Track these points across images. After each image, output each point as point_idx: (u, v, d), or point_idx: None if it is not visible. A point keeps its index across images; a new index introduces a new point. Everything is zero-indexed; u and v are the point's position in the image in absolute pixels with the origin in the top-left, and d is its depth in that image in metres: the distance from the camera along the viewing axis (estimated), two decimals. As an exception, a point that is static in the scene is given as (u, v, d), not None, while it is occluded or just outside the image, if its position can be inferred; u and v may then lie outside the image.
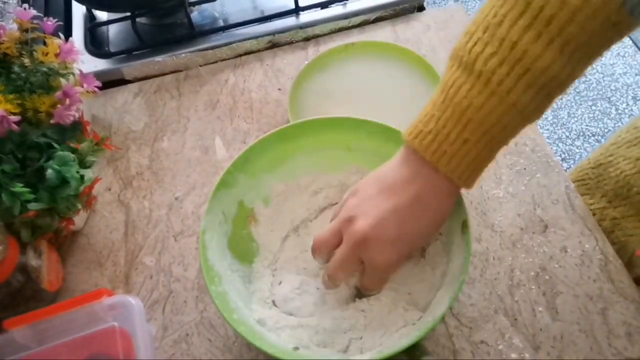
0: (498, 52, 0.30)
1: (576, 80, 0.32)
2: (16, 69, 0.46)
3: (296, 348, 0.40)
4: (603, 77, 1.71)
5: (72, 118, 0.46)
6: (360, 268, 0.39)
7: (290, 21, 0.68)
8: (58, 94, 0.46)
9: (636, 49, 1.78)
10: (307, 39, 0.68)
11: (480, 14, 0.32)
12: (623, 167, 0.52)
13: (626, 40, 1.80)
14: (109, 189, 0.57)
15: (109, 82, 0.66)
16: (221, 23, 0.70)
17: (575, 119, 1.62)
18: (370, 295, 0.42)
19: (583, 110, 1.64)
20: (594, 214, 0.51)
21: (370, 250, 0.36)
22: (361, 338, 0.42)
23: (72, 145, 0.47)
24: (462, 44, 0.32)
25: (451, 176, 0.34)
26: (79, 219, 0.52)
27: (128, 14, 0.68)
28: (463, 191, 0.39)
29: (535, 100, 0.30)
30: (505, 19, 0.29)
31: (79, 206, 0.48)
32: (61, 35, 0.50)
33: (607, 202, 0.54)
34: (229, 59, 0.67)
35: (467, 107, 0.31)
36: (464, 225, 0.40)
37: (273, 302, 0.45)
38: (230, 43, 0.66)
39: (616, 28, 0.28)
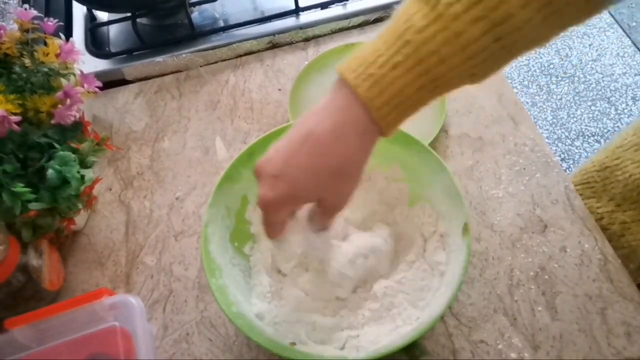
0: None
1: (536, 40, 0.28)
2: (17, 69, 0.46)
3: (293, 343, 0.40)
4: (602, 77, 1.71)
5: (72, 118, 0.46)
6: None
7: (290, 22, 0.68)
8: (59, 94, 0.46)
9: (635, 50, 1.78)
10: (307, 40, 0.68)
11: None
12: (632, 170, 0.51)
13: (625, 40, 1.80)
14: (110, 189, 0.57)
15: (110, 83, 0.66)
16: (221, 23, 0.70)
17: (575, 119, 1.62)
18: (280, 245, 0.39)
19: (582, 110, 1.64)
20: (602, 218, 0.51)
21: (260, 183, 0.33)
22: (358, 336, 0.42)
23: (73, 145, 0.47)
24: None
25: (369, 105, 0.29)
26: (79, 219, 0.53)
27: (128, 14, 0.68)
28: (463, 192, 0.39)
29: (482, 39, 0.27)
30: None
31: (80, 206, 0.48)
32: (62, 35, 0.50)
33: (615, 206, 0.53)
34: (229, 59, 0.67)
35: (407, 29, 0.28)
36: (465, 229, 0.40)
37: (279, 271, 0.45)
38: (231, 43, 0.66)
39: None
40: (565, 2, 0.27)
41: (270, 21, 0.68)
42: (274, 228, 0.35)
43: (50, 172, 0.43)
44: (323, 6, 0.69)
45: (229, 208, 0.45)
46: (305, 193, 0.33)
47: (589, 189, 0.57)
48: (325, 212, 0.35)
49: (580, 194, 0.53)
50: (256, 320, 0.41)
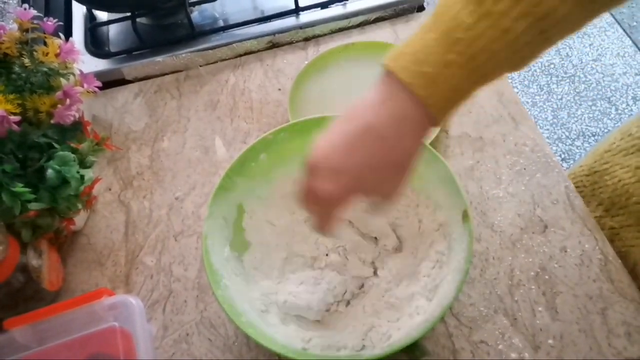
0: None
1: (575, 28, 0.29)
2: (16, 69, 0.46)
3: (304, 348, 0.40)
4: (603, 77, 1.71)
5: (72, 118, 0.46)
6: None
7: (290, 21, 0.68)
8: (58, 94, 0.46)
9: (636, 49, 1.78)
10: (307, 39, 0.68)
11: None
12: (621, 175, 0.51)
13: (626, 40, 1.80)
14: (110, 189, 0.57)
15: (109, 82, 0.66)
16: (221, 23, 0.70)
17: (575, 119, 1.62)
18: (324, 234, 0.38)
19: (583, 110, 1.64)
20: None
21: (315, 178, 0.33)
22: (362, 339, 0.42)
23: (73, 145, 0.47)
24: None
25: (427, 102, 0.30)
26: (79, 219, 0.52)
27: (128, 14, 0.68)
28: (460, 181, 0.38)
29: (528, 32, 0.28)
30: None
31: (80, 206, 0.48)
32: (61, 35, 0.50)
33: (603, 211, 0.53)
34: (229, 59, 0.67)
35: (456, 27, 0.29)
36: (465, 215, 0.40)
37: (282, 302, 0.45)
38: (231, 43, 0.66)
39: None
40: None
41: (270, 21, 0.68)
42: (330, 221, 0.35)
43: (49, 172, 0.43)
44: (323, 6, 0.68)
45: (226, 219, 0.45)
46: (367, 186, 0.33)
47: (579, 193, 0.57)
48: (380, 202, 0.36)
49: None
50: (265, 327, 0.41)
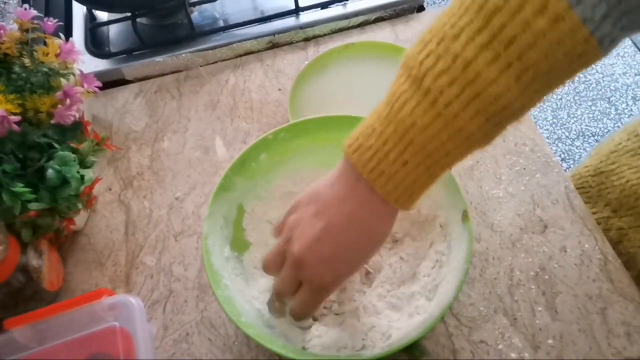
0: (449, 69, 0.27)
1: (526, 113, 0.29)
2: (17, 69, 0.46)
3: (304, 348, 0.40)
4: (603, 77, 1.71)
5: (72, 118, 0.46)
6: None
7: (290, 21, 0.68)
8: (59, 94, 0.46)
9: (636, 49, 1.78)
10: (307, 39, 0.68)
11: (438, 21, 0.28)
12: (629, 176, 0.51)
13: (626, 40, 1.80)
14: (110, 189, 0.57)
15: (110, 82, 0.66)
16: (221, 23, 0.70)
17: (575, 119, 1.62)
18: (303, 323, 0.42)
19: (582, 110, 1.64)
20: (598, 224, 0.50)
21: (306, 271, 0.35)
22: (362, 339, 0.42)
23: (73, 145, 0.47)
24: (414, 54, 0.29)
25: (387, 199, 0.32)
26: (79, 219, 0.53)
27: (128, 14, 0.68)
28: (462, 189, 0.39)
29: (483, 128, 0.28)
30: (463, 32, 0.26)
31: (80, 206, 0.48)
32: (62, 35, 0.50)
33: (611, 212, 0.53)
34: (229, 59, 0.67)
35: (411, 127, 0.29)
36: (465, 215, 0.40)
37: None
38: (231, 43, 0.66)
39: (582, 59, 0.25)
40: (558, 77, 0.27)
41: (270, 21, 0.68)
42: (317, 307, 0.38)
43: (50, 172, 0.43)
44: (323, 6, 0.69)
45: (226, 218, 0.45)
46: (358, 268, 0.36)
47: (585, 194, 0.57)
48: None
49: None
50: (265, 327, 0.41)
